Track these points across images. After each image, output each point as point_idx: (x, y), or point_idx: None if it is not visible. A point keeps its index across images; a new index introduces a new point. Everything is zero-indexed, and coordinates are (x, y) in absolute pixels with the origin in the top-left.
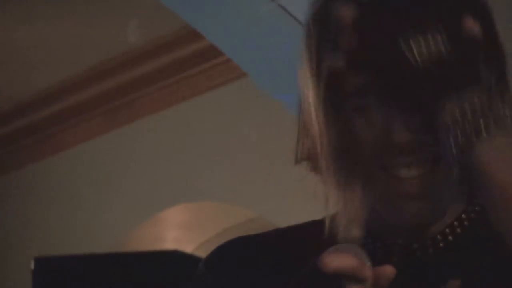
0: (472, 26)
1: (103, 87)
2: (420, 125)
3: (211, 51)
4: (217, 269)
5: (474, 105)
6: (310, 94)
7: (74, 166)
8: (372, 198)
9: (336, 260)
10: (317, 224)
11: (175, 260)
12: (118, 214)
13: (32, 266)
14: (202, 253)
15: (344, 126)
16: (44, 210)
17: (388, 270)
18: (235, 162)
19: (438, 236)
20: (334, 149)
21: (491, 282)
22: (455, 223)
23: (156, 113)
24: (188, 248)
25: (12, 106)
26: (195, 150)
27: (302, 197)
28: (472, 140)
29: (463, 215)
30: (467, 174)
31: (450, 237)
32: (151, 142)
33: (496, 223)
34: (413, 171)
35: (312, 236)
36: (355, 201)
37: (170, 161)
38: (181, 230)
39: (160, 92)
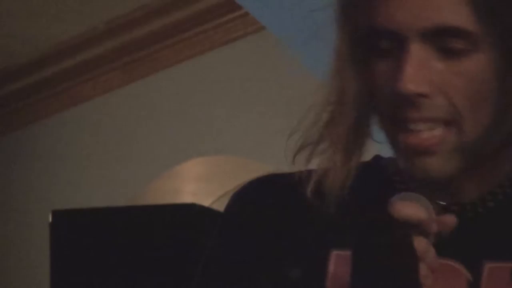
0: None
1: (122, 40)
2: (428, 81)
3: (229, 4)
4: (245, 207)
5: None
6: (341, 46)
7: (92, 119)
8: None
9: (408, 209)
10: (363, 168)
11: (192, 213)
12: (136, 167)
13: (50, 219)
14: (220, 207)
15: (367, 73)
16: (63, 163)
17: (450, 220)
18: (253, 116)
19: (477, 201)
20: (356, 96)
21: None
22: (497, 189)
23: (174, 67)
24: (205, 201)
25: (30, 60)
26: (213, 104)
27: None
28: None
29: (506, 182)
30: None
31: (490, 203)
32: (169, 95)
33: None
34: (420, 126)
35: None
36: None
37: (188, 114)
38: (199, 183)
39: (178, 45)
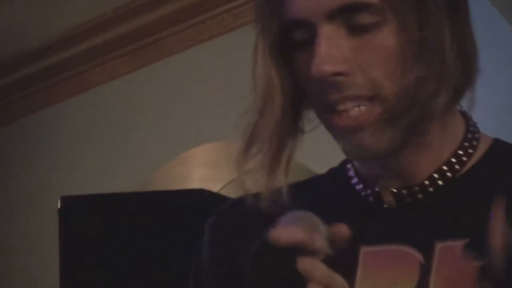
0: None
1: (130, 26)
2: (343, 60)
3: None
4: (215, 232)
5: None
6: (260, 43)
7: (100, 105)
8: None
9: (285, 234)
10: (322, 177)
11: (201, 199)
12: (145, 153)
13: (59, 205)
14: (229, 192)
15: (290, 67)
16: (71, 149)
17: (342, 230)
18: None
19: (425, 181)
20: (282, 93)
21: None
22: (444, 167)
23: (182, 53)
24: (214, 187)
25: (37, 46)
26: (222, 89)
27: (328, 137)
28: None
29: (452, 159)
30: None
31: (439, 182)
32: (178, 80)
33: None
34: (346, 105)
35: (320, 190)
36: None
37: (197, 100)
38: (208, 169)
39: (186, 31)
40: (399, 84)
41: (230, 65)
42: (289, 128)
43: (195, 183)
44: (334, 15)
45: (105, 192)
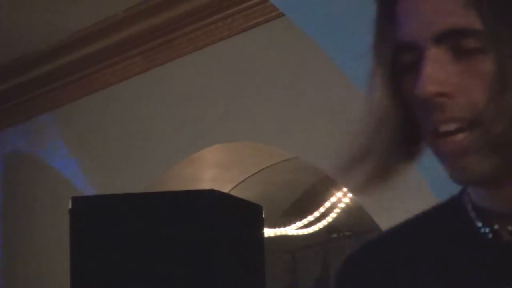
0: None
1: (141, 27)
2: (447, 82)
3: None
4: (348, 284)
5: None
6: (376, 68)
7: (111, 106)
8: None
9: None
10: (440, 210)
11: (212, 199)
12: (155, 153)
13: (70, 205)
14: (239, 193)
15: (401, 92)
16: (81, 150)
17: None
18: (272, 102)
19: None
20: (395, 115)
21: None
22: None
23: (192, 54)
24: (225, 188)
25: (50, 47)
26: (232, 90)
27: (338, 137)
28: None
29: None
30: None
31: None
32: (189, 81)
33: None
34: (448, 127)
35: (439, 226)
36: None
37: (207, 101)
38: (218, 170)
39: (197, 32)
40: (499, 111)
41: (241, 67)
42: (399, 152)
43: (205, 184)
44: (441, 38)
45: (116, 192)
